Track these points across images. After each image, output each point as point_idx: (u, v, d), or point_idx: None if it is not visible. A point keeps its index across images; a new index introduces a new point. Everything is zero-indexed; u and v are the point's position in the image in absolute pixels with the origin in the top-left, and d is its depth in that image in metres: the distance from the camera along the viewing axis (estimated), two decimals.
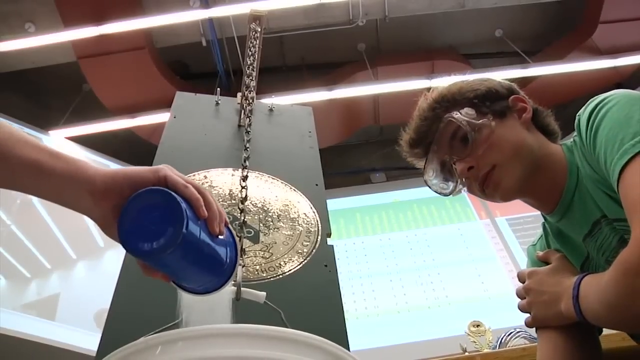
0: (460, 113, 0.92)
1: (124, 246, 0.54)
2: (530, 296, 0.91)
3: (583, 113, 0.84)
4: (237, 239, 0.65)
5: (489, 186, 0.91)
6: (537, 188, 0.92)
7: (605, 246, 0.85)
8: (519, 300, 0.94)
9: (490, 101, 0.94)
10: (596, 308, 0.74)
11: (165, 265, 0.57)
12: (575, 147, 0.90)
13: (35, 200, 3.60)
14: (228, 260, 0.62)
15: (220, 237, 0.61)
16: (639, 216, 0.69)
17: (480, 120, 0.91)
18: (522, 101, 0.96)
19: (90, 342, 3.00)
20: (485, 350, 1.82)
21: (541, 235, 1.04)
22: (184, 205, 0.54)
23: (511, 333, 1.80)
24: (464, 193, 0.98)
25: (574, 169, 0.88)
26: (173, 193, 0.55)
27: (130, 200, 0.56)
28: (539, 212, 1.01)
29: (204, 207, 0.57)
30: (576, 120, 0.85)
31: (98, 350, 0.83)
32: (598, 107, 0.80)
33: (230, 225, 0.65)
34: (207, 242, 0.58)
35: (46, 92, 4.82)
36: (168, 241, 0.52)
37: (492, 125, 0.91)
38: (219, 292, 0.63)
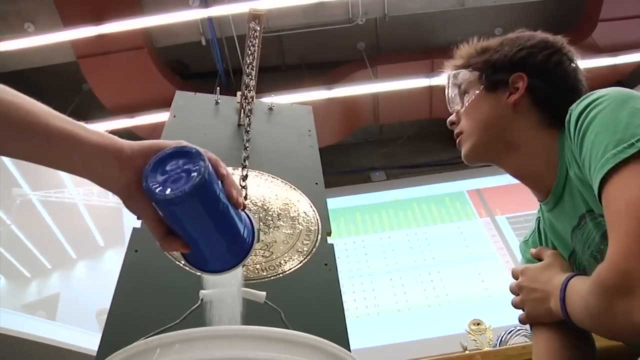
0: (465, 71, 0.99)
1: (149, 193, 0.55)
2: (522, 294, 0.91)
3: (575, 109, 0.81)
4: (255, 224, 0.65)
5: (459, 145, 1.00)
6: (519, 171, 0.95)
7: (590, 240, 0.84)
8: (513, 296, 0.95)
9: (494, 70, 0.96)
10: (580, 316, 0.74)
11: (186, 222, 0.58)
12: (567, 141, 0.87)
13: (35, 200, 3.60)
14: (245, 236, 0.63)
15: (238, 210, 0.62)
16: (616, 231, 0.68)
17: (469, 89, 0.98)
18: (523, 81, 0.93)
19: (90, 342, 3.01)
20: (486, 349, 1.82)
21: (533, 231, 1.04)
22: (206, 159, 0.57)
23: (511, 331, 1.80)
24: (464, 192, 0.99)
25: (564, 161, 0.87)
26: (197, 147, 0.58)
27: (155, 157, 0.59)
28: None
29: (223, 168, 0.60)
30: (567, 115, 0.82)
31: (98, 350, 0.83)
32: (589, 108, 0.77)
33: (248, 213, 0.66)
34: (226, 204, 0.59)
35: (45, 91, 4.81)
36: (191, 185, 0.54)
37: (475, 95, 0.96)
38: (234, 270, 0.63)
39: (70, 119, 0.58)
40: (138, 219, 0.65)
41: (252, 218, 0.65)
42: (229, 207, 0.60)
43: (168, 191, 0.54)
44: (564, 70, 0.95)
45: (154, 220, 0.60)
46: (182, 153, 0.58)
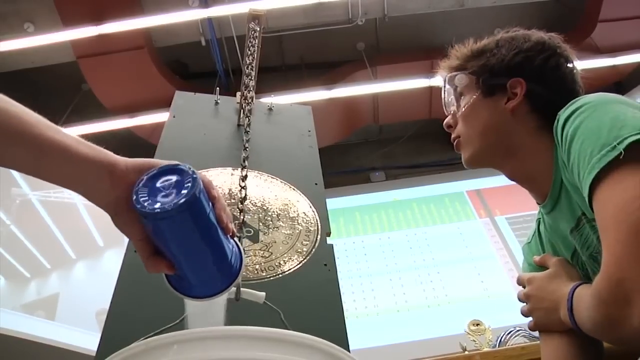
0: (462, 75, 0.98)
1: (137, 207, 0.54)
2: (530, 303, 0.91)
3: (562, 115, 0.81)
4: (243, 254, 0.64)
5: (457, 149, 1.01)
6: (517, 175, 0.95)
7: (588, 242, 0.85)
8: (521, 304, 0.94)
9: (491, 74, 0.95)
10: (587, 325, 0.75)
11: (172, 239, 0.57)
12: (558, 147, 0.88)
13: (35, 200, 3.60)
14: (232, 262, 0.61)
15: (228, 236, 0.61)
16: (607, 240, 0.68)
17: (466, 92, 0.98)
18: (521, 86, 0.92)
19: (90, 341, 3.00)
20: (485, 349, 1.82)
21: (534, 232, 1.04)
22: (199, 178, 0.56)
23: (511, 332, 1.80)
24: (464, 193, 0.99)
25: (559, 165, 0.87)
26: (190, 166, 0.57)
27: (147, 173, 0.58)
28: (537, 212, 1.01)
29: (215, 191, 0.59)
30: (555, 122, 0.83)
31: (98, 350, 0.83)
32: (574, 115, 0.78)
33: (238, 241, 0.65)
34: (215, 226, 0.58)
35: (45, 91, 4.81)
36: (181, 201, 0.53)
37: (472, 100, 0.96)
38: (218, 297, 0.62)
39: (64, 131, 0.58)
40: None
41: (240, 246, 0.64)
42: (217, 230, 0.59)
43: (157, 205, 0.54)
44: (562, 72, 0.95)
45: (140, 239, 0.59)
46: (175, 171, 0.57)
